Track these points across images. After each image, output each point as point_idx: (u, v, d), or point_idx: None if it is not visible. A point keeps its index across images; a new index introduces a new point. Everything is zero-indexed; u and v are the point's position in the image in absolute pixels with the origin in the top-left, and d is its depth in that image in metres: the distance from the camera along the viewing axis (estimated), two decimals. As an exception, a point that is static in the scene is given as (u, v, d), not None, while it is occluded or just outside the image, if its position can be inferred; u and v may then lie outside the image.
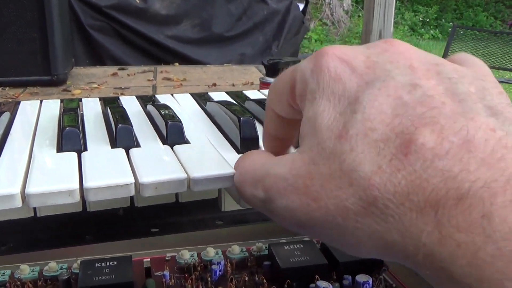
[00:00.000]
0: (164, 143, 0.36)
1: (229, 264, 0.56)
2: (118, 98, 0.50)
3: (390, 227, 0.20)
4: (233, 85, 1.82)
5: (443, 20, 8.33)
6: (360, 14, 7.29)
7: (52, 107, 0.47)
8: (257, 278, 0.53)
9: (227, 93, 0.53)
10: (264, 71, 1.73)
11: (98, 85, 1.80)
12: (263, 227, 0.66)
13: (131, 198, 0.34)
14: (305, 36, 4.46)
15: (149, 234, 0.37)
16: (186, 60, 3.27)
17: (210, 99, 0.51)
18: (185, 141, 0.37)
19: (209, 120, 0.43)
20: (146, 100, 0.50)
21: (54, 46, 1.68)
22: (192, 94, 0.52)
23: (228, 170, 0.31)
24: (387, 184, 0.20)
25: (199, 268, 0.55)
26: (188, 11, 3.53)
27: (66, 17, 1.87)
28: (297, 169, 0.23)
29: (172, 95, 0.52)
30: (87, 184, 0.28)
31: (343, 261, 0.53)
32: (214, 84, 1.83)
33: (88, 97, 0.53)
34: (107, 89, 1.74)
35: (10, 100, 1.53)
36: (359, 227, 0.21)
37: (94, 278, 0.49)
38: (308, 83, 0.25)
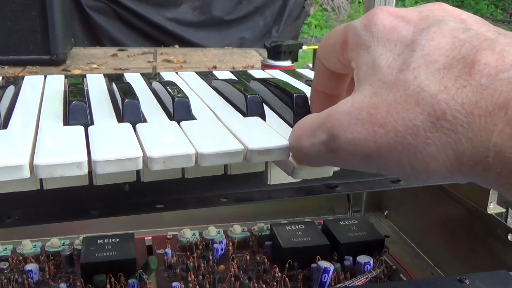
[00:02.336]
0: (171, 119, 0.36)
1: (231, 243, 0.56)
2: (122, 75, 0.50)
3: (460, 137, 0.22)
4: (234, 68, 1.81)
5: (444, 8, 8.29)
6: (361, 1, 7.25)
7: (56, 82, 0.47)
8: (258, 258, 0.54)
9: (232, 72, 0.53)
10: (264, 54, 1.73)
11: (98, 65, 1.79)
12: (264, 208, 0.66)
13: (138, 173, 0.34)
14: (305, 21, 4.43)
15: (154, 210, 0.37)
16: (185, 42, 3.25)
17: (215, 77, 0.51)
18: (192, 117, 0.37)
19: (216, 97, 0.43)
20: (151, 77, 0.49)
21: (54, 25, 1.66)
22: (197, 73, 0.52)
23: (236, 146, 0.31)
24: (454, 97, 0.22)
25: (200, 247, 0.56)
26: (188, -7, 3.50)
27: (66, -5, 1.86)
28: (360, 103, 0.25)
29: (177, 73, 0.52)
30: (95, 156, 0.28)
31: (344, 242, 0.54)
32: (215, 67, 1.83)
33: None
34: (107, 70, 1.74)
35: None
36: (429, 143, 0.23)
37: (96, 254, 0.49)
38: (361, 36, 0.27)
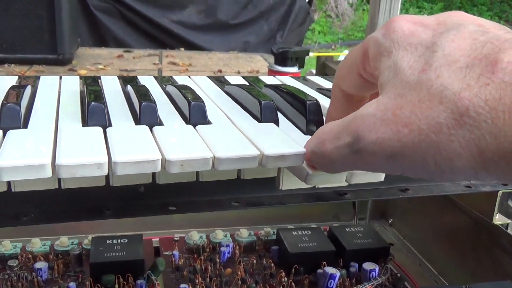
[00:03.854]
0: (187, 123, 0.37)
1: (237, 247, 0.56)
2: (136, 77, 0.50)
3: (484, 132, 0.22)
4: (239, 72, 1.82)
5: (447, 17, 8.29)
6: (365, 8, 7.26)
7: (72, 82, 0.47)
8: (265, 262, 0.54)
9: (244, 77, 0.54)
10: (269, 60, 1.73)
11: (104, 66, 1.79)
12: (270, 212, 0.67)
13: (153, 175, 0.34)
14: (309, 27, 4.44)
15: (167, 212, 0.37)
16: (189, 45, 3.26)
17: (228, 82, 0.51)
18: (207, 121, 0.37)
19: (229, 103, 0.44)
20: (164, 80, 0.50)
21: (61, 25, 1.67)
22: (209, 77, 0.52)
23: (252, 151, 0.32)
24: (477, 94, 0.22)
25: (207, 250, 0.56)
26: (194, -4, 3.51)
27: (74, -4, 1.86)
28: (384, 104, 0.25)
29: (189, 76, 0.52)
30: (116, 158, 0.29)
31: (350, 249, 0.54)
32: (220, 71, 1.83)
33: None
34: (113, 71, 1.74)
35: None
36: (453, 140, 0.23)
37: (106, 254, 0.50)
38: (381, 44, 0.28)
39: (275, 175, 0.38)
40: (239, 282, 0.50)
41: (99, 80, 0.48)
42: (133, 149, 0.31)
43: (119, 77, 0.50)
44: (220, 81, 0.52)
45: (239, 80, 0.53)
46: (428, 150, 0.24)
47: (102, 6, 3.30)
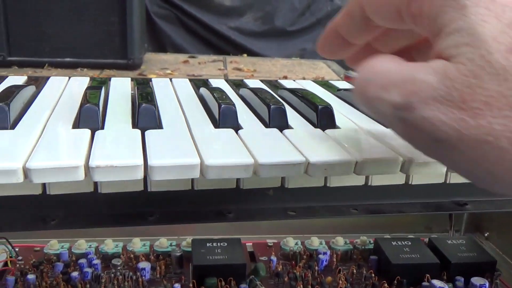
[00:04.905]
0: (315, 127, 0.36)
1: (334, 255, 0.55)
2: (243, 80, 0.50)
3: None
4: (304, 78, 1.81)
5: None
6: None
7: (183, 85, 0.48)
8: (365, 272, 0.53)
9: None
10: (332, 66, 1.71)
11: (171, 71, 1.82)
12: (361, 220, 0.65)
13: (282, 178, 0.34)
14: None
15: (286, 216, 0.37)
16: (246, 52, 3.28)
17: (335, 86, 0.51)
18: (335, 125, 0.36)
19: (346, 107, 0.43)
20: (273, 85, 0.50)
21: (132, 31, 1.71)
22: (314, 81, 0.52)
23: (394, 155, 0.31)
24: None
25: (304, 257, 0.55)
26: (252, 3, 3.54)
27: (143, 2, 1.91)
28: (452, 80, 0.20)
29: (294, 80, 0.52)
30: (261, 160, 0.29)
31: (455, 262, 0.52)
32: (285, 77, 1.83)
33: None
34: (181, 76, 1.77)
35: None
36: None
37: (208, 257, 0.49)
38: None
39: (402, 182, 0.37)
40: (343, 291, 0.48)
41: (208, 82, 0.49)
42: (275, 151, 0.30)
43: (227, 81, 0.50)
44: (327, 86, 0.51)
45: (345, 85, 0.52)
46: (488, 155, 0.20)
47: (162, 12, 3.38)
